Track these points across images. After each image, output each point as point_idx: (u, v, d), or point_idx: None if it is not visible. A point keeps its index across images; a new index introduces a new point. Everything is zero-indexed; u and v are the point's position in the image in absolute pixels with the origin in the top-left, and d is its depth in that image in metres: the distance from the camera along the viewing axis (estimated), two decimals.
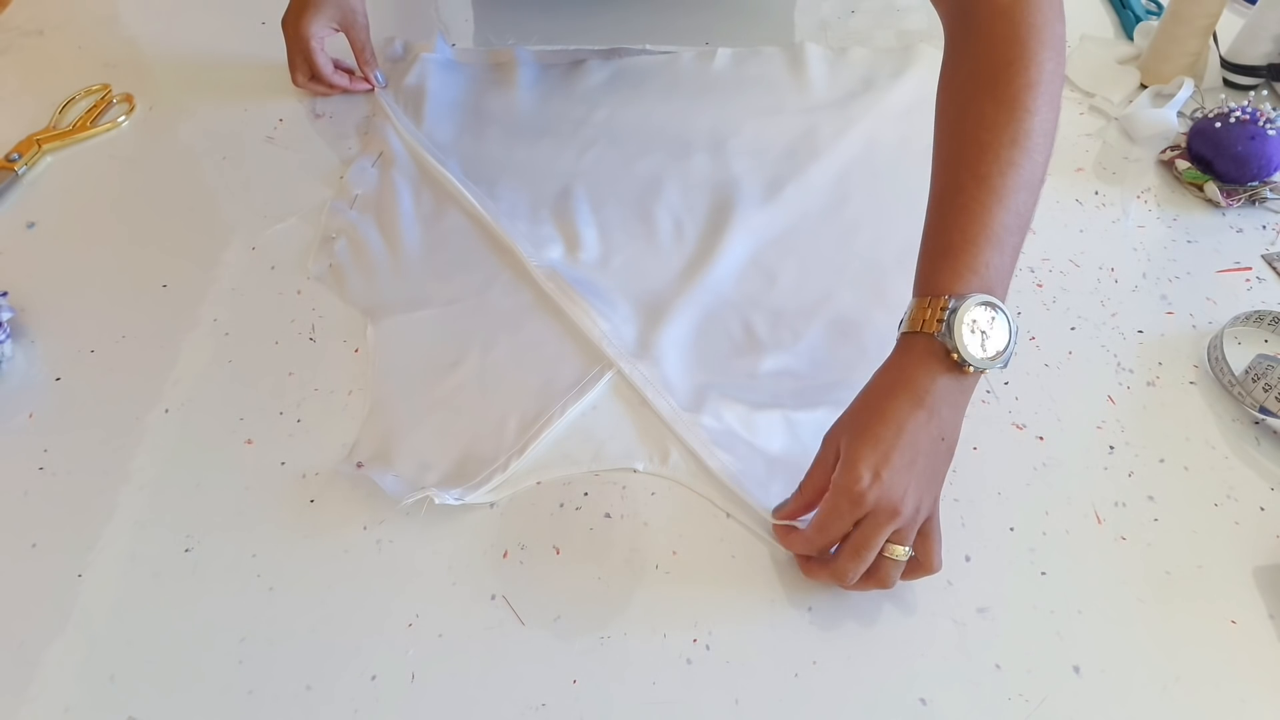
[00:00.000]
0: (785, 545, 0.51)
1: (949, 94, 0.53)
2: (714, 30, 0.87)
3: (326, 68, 0.78)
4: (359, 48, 0.79)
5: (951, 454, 0.48)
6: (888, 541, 0.47)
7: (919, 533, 0.48)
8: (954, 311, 0.46)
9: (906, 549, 0.47)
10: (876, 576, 0.48)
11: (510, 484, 0.55)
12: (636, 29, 0.87)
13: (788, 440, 0.56)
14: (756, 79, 0.82)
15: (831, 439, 0.49)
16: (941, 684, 0.47)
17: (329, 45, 0.78)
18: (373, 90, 0.80)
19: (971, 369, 0.46)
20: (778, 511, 0.51)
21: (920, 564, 0.48)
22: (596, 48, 0.85)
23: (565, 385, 0.59)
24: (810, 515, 0.49)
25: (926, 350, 0.47)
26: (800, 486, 0.50)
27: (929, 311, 0.47)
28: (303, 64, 0.78)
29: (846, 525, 0.46)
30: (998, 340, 0.46)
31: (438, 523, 0.53)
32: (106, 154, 0.76)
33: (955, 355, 0.46)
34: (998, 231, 0.47)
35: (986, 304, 0.46)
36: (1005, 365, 0.47)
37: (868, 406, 0.48)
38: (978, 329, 0.46)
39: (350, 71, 0.80)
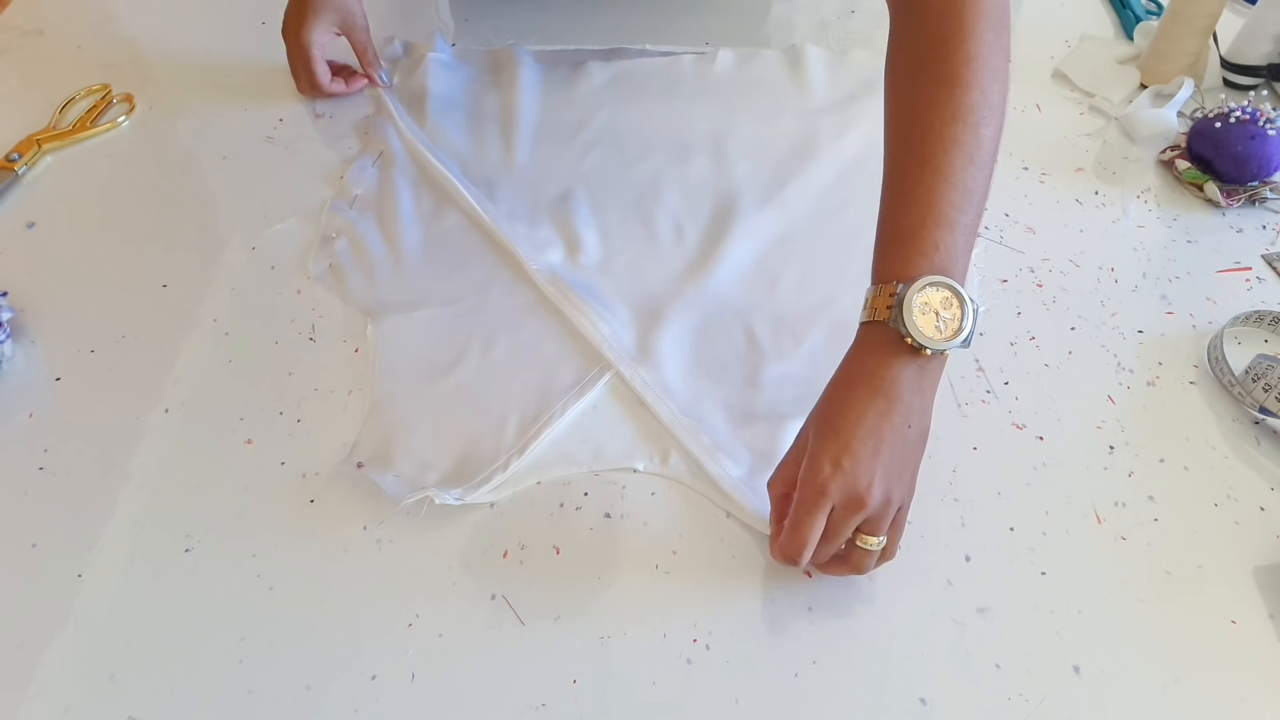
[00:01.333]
0: (772, 554, 0.50)
1: (892, 75, 0.52)
2: (714, 30, 0.87)
3: (324, 78, 0.77)
4: (361, 49, 0.79)
5: (923, 441, 0.48)
6: (860, 531, 0.47)
7: (891, 526, 0.48)
8: (902, 296, 0.46)
9: (879, 539, 0.47)
10: (850, 563, 0.48)
11: (510, 484, 0.55)
12: (636, 29, 0.87)
13: (788, 447, 0.56)
14: (757, 81, 0.82)
15: (802, 433, 0.49)
16: (941, 684, 0.47)
17: (330, 48, 0.78)
18: (376, 88, 0.80)
19: (929, 351, 0.46)
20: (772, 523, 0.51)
21: (883, 551, 0.48)
22: (596, 48, 0.85)
23: (565, 385, 0.59)
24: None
25: (881, 338, 0.47)
26: (769, 482, 0.50)
27: (880, 299, 0.47)
28: (305, 73, 0.77)
29: (819, 520, 0.45)
30: (951, 321, 0.46)
31: (438, 523, 0.53)
32: (106, 154, 0.76)
33: (909, 340, 0.45)
34: (946, 211, 0.47)
35: (936, 284, 0.46)
36: (967, 344, 0.46)
37: (830, 399, 0.48)
38: (930, 310, 0.45)
39: (349, 73, 0.80)
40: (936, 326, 0.46)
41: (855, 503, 0.45)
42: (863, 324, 0.48)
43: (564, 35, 0.86)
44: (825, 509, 0.45)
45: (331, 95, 0.79)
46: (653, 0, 0.90)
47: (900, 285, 0.46)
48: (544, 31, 0.87)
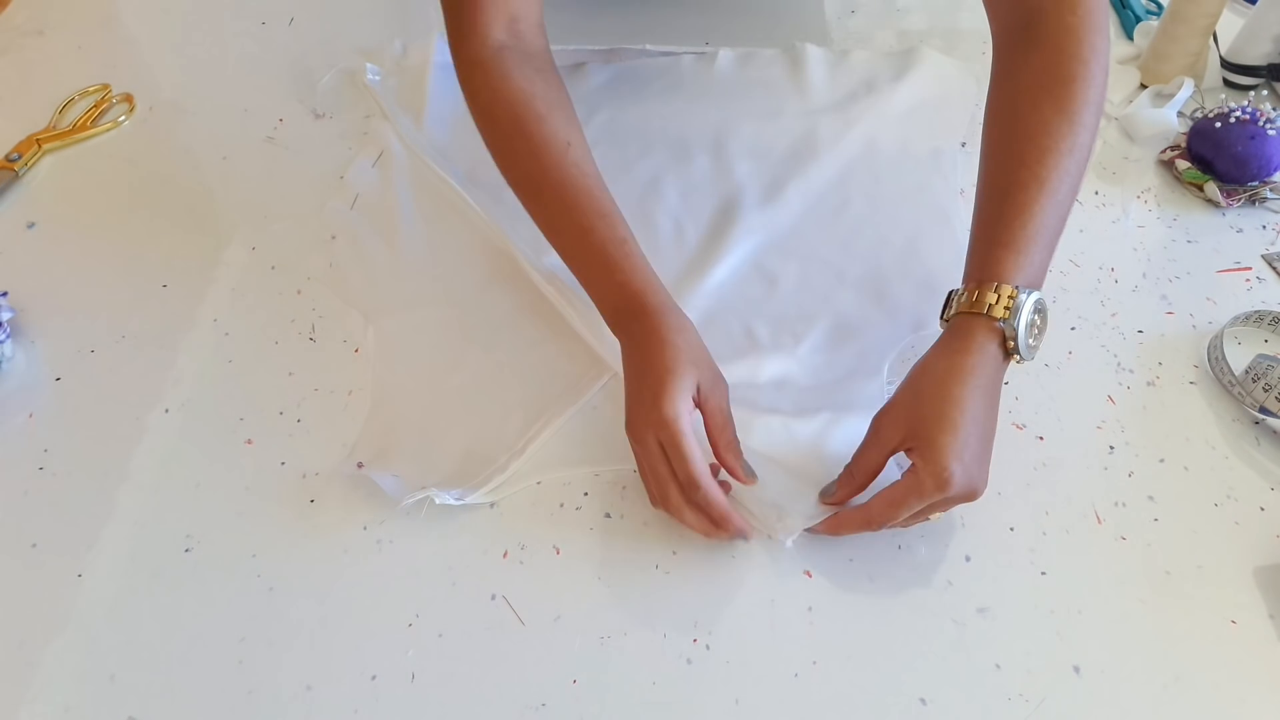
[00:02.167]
0: (834, 530, 0.51)
1: (1008, 97, 0.55)
2: (714, 30, 0.86)
3: (696, 459, 0.48)
4: (721, 427, 0.52)
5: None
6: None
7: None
8: (1023, 303, 0.48)
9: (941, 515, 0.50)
10: (869, 520, 0.50)
11: (510, 484, 0.55)
12: (636, 29, 0.86)
13: (787, 447, 0.56)
14: (757, 81, 0.82)
15: (895, 421, 0.49)
16: (941, 684, 0.47)
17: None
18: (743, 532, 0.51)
19: (1019, 358, 0.49)
20: (825, 496, 0.52)
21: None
22: (596, 48, 0.85)
23: (565, 385, 0.59)
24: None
25: (989, 334, 0.49)
26: (851, 469, 0.51)
27: (995, 296, 0.49)
28: (680, 461, 0.49)
29: (921, 506, 0.47)
30: (1041, 335, 0.50)
31: (438, 523, 0.53)
32: (106, 154, 0.76)
33: (1011, 343, 0.49)
34: (1047, 234, 0.51)
35: (1040, 299, 0.50)
36: (1034, 359, 0.50)
37: (939, 392, 0.48)
38: (1035, 323, 0.49)
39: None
40: (1033, 336, 0.50)
41: (968, 497, 0.48)
42: (967, 314, 0.50)
43: (563, 36, 0.86)
44: (937, 499, 0.47)
45: (723, 525, 0.50)
46: (653, 0, 0.89)
47: (1022, 293, 0.49)
48: None
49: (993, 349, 0.49)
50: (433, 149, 0.75)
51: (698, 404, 0.51)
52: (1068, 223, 0.53)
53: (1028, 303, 0.48)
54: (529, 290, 0.65)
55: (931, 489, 0.46)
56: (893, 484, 0.48)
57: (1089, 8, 0.54)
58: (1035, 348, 0.50)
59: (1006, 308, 0.48)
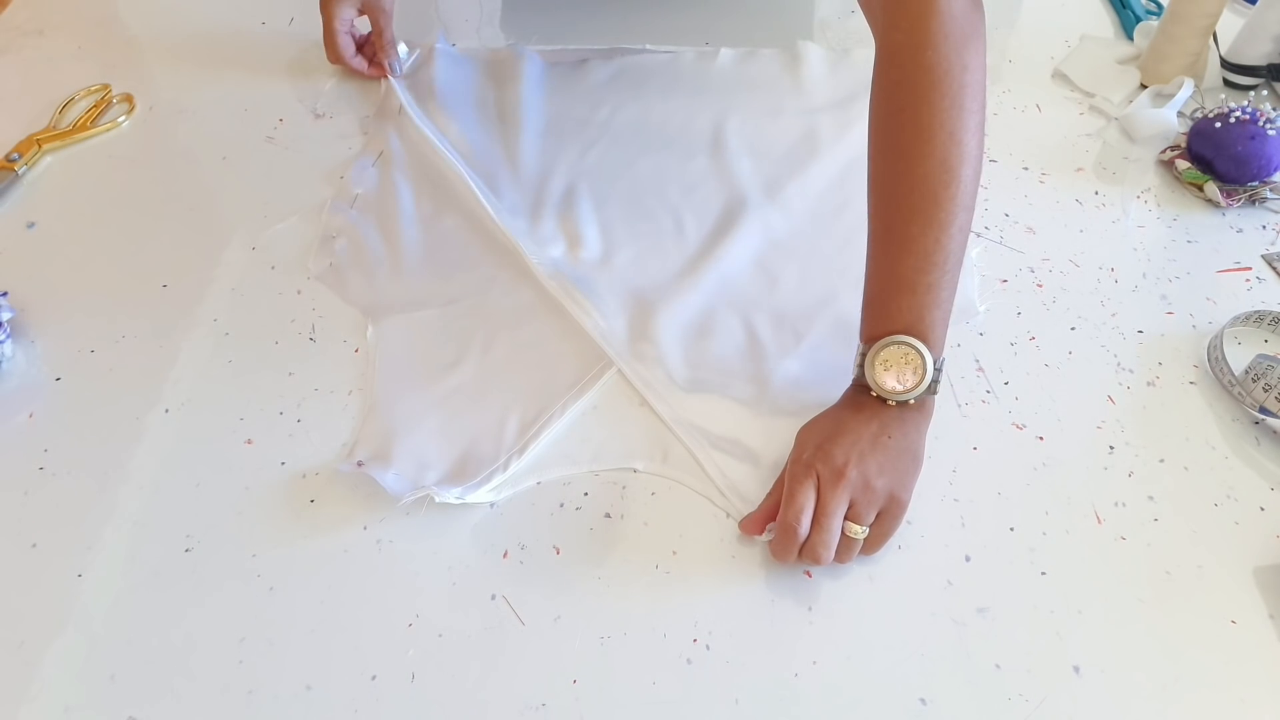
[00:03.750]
0: (775, 552, 0.50)
1: (868, 140, 0.56)
2: (714, 30, 0.87)
3: (347, 50, 0.79)
4: (378, 32, 0.80)
5: (910, 455, 0.52)
6: (846, 519, 0.50)
7: (881, 515, 0.50)
8: (864, 356, 0.52)
9: (863, 528, 0.50)
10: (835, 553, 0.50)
11: (510, 484, 0.55)
12: (637, 29, 0.87)
13: (789, 446, 0.56)
14: (758, 79, 0.82)
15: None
16: (941, 684, 0.47)
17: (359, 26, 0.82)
18: (384, 77, 0.81)
19: (893, 402, 0.52)
20: (745, 522, 0.52)
21: (867, 544, 0.51)
22: (597, 47, 0.85)
23: (565, 385, 0.59)
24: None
25: (861, 391, 0.53)
26: (770, 492, 0.53)
27: (857, 360, 0.54)
28: (329, 44, 0.79)
29: (808, 489, 0.50)
30: (913, 374, 0.51)
31: (438, 523, 0.53)
32: (106, 154, 0.76)
33: (875, 394, 0.52)
34: (907, 276, 0.52)
35: (896, 344, 0.51)
36: (933, 391, 0.52)
37: (815, 418, 0.54)
38: (891, 366, 0.52)
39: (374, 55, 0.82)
40: (898, 379, 0.51)
41: (836, 475, 0.50)
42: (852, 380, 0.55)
43: (564, 35, 0.86)
44: (811, 480, 0.50)
45: (358, 72, 0.81)
46: (653, 1, 0.89)
47: (861, 346, 0.53)
48: (544, 31, 0.87)
49: (864, 402, 0.53)
50: (442, 139, 0.74)
51: (365, 10, 0.79)
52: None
53: (870, 355, 0.52)
54: (529, 289, 0.65)
55: (799, 472, 0.50)
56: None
57: (914, 22, 0.51)
58: (914, 387, 0.51)
59: (859, 365, 0.53)
